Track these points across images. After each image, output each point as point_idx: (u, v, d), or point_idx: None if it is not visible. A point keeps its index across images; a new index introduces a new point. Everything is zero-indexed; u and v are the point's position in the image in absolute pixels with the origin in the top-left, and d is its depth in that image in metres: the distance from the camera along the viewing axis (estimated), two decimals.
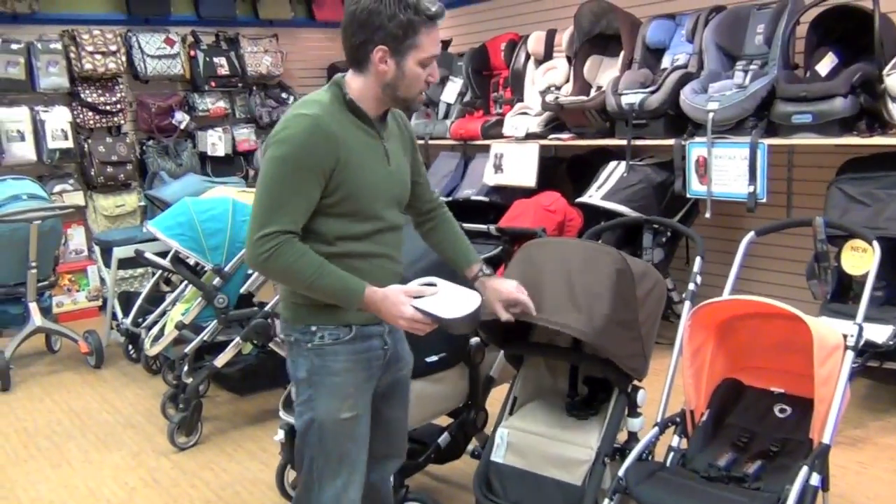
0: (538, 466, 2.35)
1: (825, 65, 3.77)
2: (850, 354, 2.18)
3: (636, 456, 2.24)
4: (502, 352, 2.71)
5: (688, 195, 4.12)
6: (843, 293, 3.52)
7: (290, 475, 3.01)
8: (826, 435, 2.10)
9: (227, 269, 3.63)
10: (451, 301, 1.85)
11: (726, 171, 3.87)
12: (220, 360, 3.66)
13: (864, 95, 3.47)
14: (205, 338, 3.69)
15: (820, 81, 3.64)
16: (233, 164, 6.71)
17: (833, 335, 2.17)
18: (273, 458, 3.32)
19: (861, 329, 2.21)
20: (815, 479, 2.02)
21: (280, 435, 2.94)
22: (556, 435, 2.37)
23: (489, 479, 2.40)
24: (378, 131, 1.92)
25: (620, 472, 2.21)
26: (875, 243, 2.35)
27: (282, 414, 2.94)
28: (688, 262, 4.31)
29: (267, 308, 3.69)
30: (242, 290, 3.99)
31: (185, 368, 3.71)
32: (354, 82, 1.88)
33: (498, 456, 2.42)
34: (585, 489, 2.22)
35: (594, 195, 4.26)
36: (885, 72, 3.33)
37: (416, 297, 1.84)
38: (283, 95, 6.95)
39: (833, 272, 2.67)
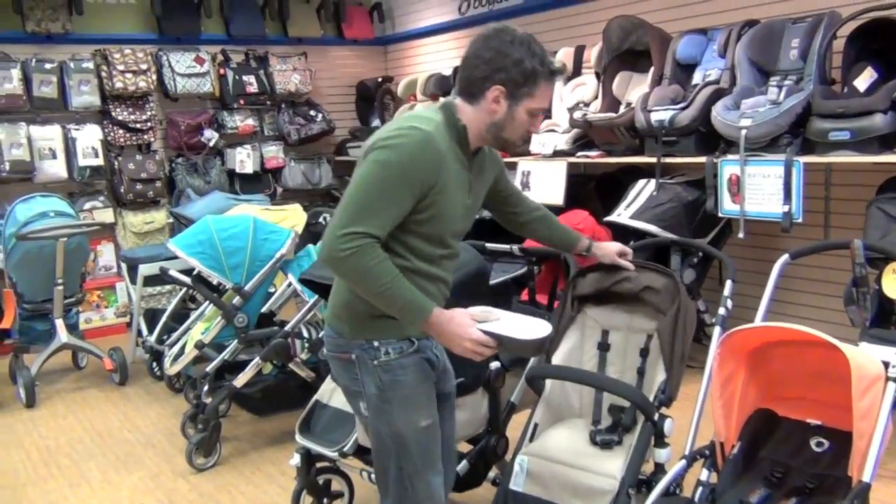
0: (558, 496, 2.24)
1: (864, 80, 3.63)
2: (892, 386, 2.05)
3: (663, 489, 2.12)
4: (524, 377, 2.62)
5: (720, 214, 3.99)
6: (884, 318, 3.36)
7: (307, 501, 2.93)
8: (866, 473, 1.97)
9: (247, 287, 3.59)
10: (518, 325, 1.89)
11: (760, 189, 3.74)
12: (240, 380, 3.61)
13: None
14: (225, 357, 3.65)
15: (858, 97, 3.51)
16: (260, 182, 6.73)
17: (874, 365, 2.04)
18: (291, 482, 3.25)
19: None
20: None
21: (296, 459, 2.88)
22: (578, 463, 2.27)
23: None
24: (470, 164, 1.97)
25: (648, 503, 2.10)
26: None
27: (298, 438, 2.88)
28: (720, 283, 4.18)
29: (287, 328, 3.64)
30: (263, 310, 3.96)
31: (206, 388, 3.67)
32: (464, 112, 1.92)
33: (517, 484, 2.32)
34: None
35: (623, 214, 4.15)
36: None
37: (480, 321, 1.86)
38: (312, 113, 6.95)
39: (874, 296, 2.54)
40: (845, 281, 3.73)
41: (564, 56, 5.10)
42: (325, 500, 2.96)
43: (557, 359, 2.53)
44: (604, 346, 2.56)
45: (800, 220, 3.67)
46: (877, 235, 3.26)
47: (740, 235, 3.86)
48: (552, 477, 2.27)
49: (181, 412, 3.97)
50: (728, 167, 3.87)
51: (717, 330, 2.47)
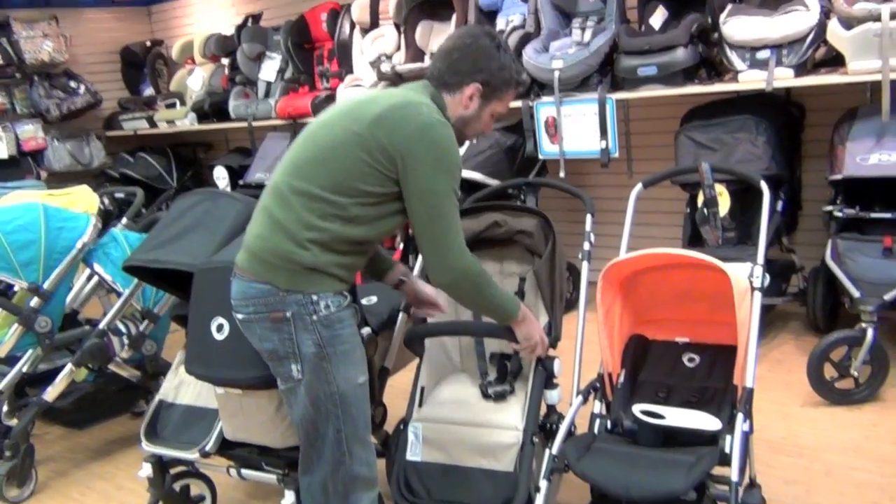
0: (462, 458, 2.16)
1: (657, 18, 3.84)
2: (758, 295, 2.18)
3: (567, 430, 2.11)
4: (394, 338, 2.48)
5: (540, 156, 4.07)
6: (696, 238, 3.63)
7: None
8: (748, 379, 2.08)
9: (45, 286, 3.08)
10: None
11: (576, 129, 3.85)
12: (51, 394, 3.11)
13: (701, 45, 3.57)
14: (24, 369, 3.13)
15: (657, 34, 3.70)
16: (20, 167, 5.87)
17: (743, 279, 2.15)
18: (133, 495, 2.89)
19: (764, 269, 2.21)
20: (746, 426, 1.99)
21: (146, 470, 2.54)
22: (476, 420, 2.19)
23: (408, 482, 2.18)
24: None
25: (555, 451, 2.07)
26: (763, 183, 2.37)
27: (146, 446, 2.54)
28: None
29: (101, 325, 3.19)
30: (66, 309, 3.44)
31: (5, 409, 3.13)
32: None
33: (415, 454, 2.20)
34: (518, 475, 2.06)
35: None
36: (721, 20, 3.43)
37: None
38: (72, 85, 6.16)
39: (717, 217, 2.70)
40: (652, 209, 3.99)
41: (360, 8, 4.92)
42: None
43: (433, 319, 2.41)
44: None
45: (616, 155, 3.84)
46: (689, 161, 3.48)
47: (561, 174, 3.96)
48: (451, 440, 2.17)
49: None
50: (544, 109, 3.94)
51: (584, 265, 2.48)
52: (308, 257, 1.81)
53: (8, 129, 5.74)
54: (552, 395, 2.26)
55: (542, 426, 2.24)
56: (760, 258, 2.24)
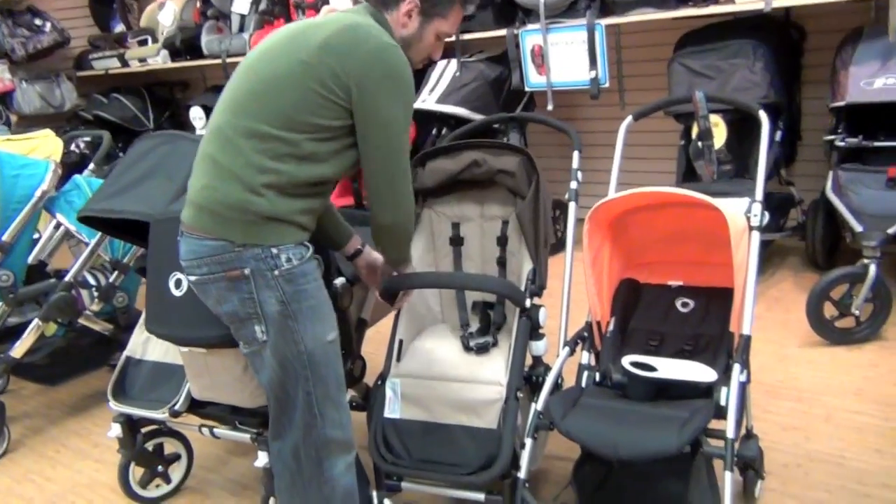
0: (443, 415, 2.03)
1: None
2: (756, 235, 2.03)
3: (552, 385, 1.98)
4: (372, 288, 2.34)
5: (526, 88, 3.86)
6: (690, 172, 3.46)
7: (137, 473, 2.51)
8: (745, 326, 1.94)
9: (4, 238, 2.92)
10: None
11: (564, 58, 3.64)
12: (19, 350, 2.99)
13: None
14: None
15: None
16: None
17: (740, 217, 2.00)
18: (109, 452, 2.79)
19: (763, 206, 2.05)
20: (743, 376, 1.87)
21: (115, 430, 2.43)
22: (457, 375, 2.06)
23: (387, 440, 2.06)
24: None
25: (539, 406, 1.95)
26: (761, 112, 2.19)
27: (113, 405, 2.43)
28: None
29: (68, 277, 3.04)
30: (30, 260, 3.29)
31: None
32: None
33: (393, 411, 2.08)
34: (502, 432, 1.94)
35: (427, 99, 3.89)
36: None
37: None
38: (37, 22, 5.85)
39: (712, 150, 2.52)
40: (644, 142, 3.82)
41: None
42: (159, 468, 2.55)
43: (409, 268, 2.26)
44: (457, 241, 2.34)
45: (606, 85, 3.64)
46: (683, 90, 3.29)
47: (549, 107, 3.76)
48: (431, 396, 2.05)
49: None
50: (529, 38, 3.71)
51: (571, 205, 2.33)
52: (264, 205, 1.64)
53: None
54: (538, 346, 2.12)
55: (527, 378, 2.11)
56: (759, 193, 2.08)
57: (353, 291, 2.33)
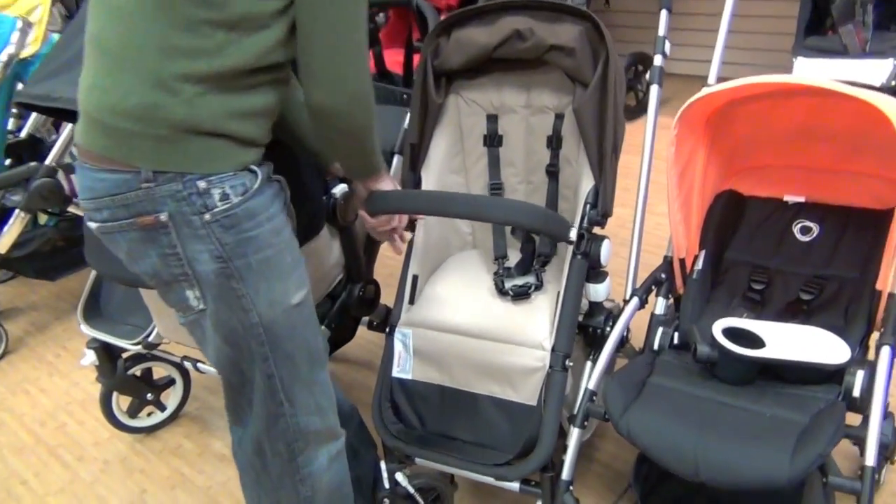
0: (466, 381, 1.54)
1: None
2: None
3: (611, 352, 1.45)
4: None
5: None
6: (817, 23, 2.68)
7: (123, 402, 2.16)
8: None
9: None
10: None
11: None
12: (4, 242, 2.62)
13: None
14: None
15: None
16: None
17: None
18: None
19: None
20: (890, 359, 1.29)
21: (89, 357, 2.05)
22: (487, 331, 1.54)
23: (396, 405, 1.60)
24: None
25: (592, 384, 1.43)
26: None
27: (84, 328, 2.04)
28: None
29: (48, 160, 2.59)
30: (23, 135, 2.88)
31: None
32: None
33: (404, 370, 1.60)
34: (543, 411, 1.44)
35: None
36: None
37: None
38: None
39: (868, 8, 1.78)
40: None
41: None
42: (149, 396, 2.19)
43: (430, 173, 1.69)
44: (493, 139, 1.73)
45: None
46: None
47: None
48: (452, 354, 1.54)
49: None
50: None
51: (654, 89, 1.68)
52: (179, 108, 1.08)
53: None
54: (597, 290, 1.55)
55: (581, 328, 1.58)
56: None
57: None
